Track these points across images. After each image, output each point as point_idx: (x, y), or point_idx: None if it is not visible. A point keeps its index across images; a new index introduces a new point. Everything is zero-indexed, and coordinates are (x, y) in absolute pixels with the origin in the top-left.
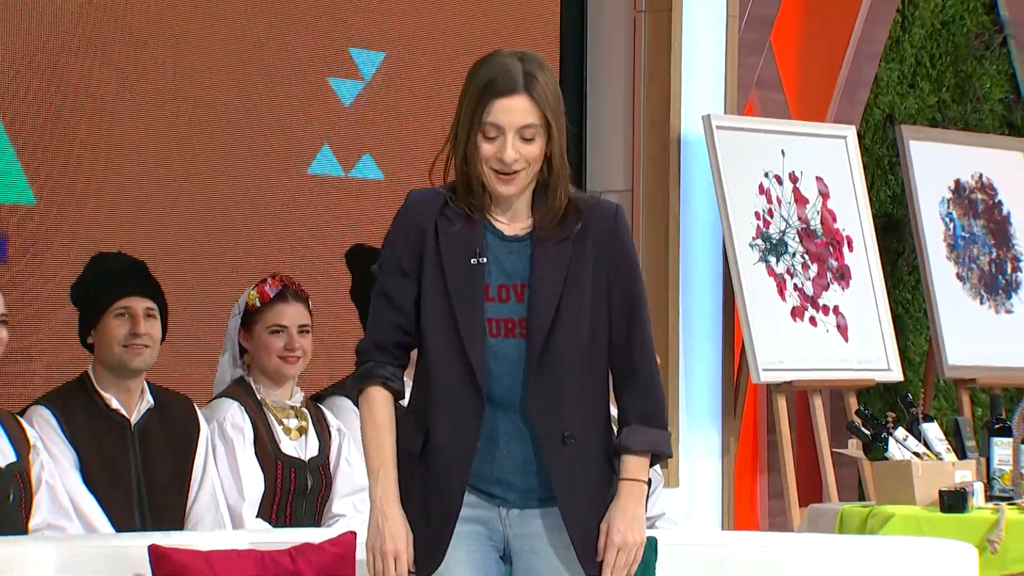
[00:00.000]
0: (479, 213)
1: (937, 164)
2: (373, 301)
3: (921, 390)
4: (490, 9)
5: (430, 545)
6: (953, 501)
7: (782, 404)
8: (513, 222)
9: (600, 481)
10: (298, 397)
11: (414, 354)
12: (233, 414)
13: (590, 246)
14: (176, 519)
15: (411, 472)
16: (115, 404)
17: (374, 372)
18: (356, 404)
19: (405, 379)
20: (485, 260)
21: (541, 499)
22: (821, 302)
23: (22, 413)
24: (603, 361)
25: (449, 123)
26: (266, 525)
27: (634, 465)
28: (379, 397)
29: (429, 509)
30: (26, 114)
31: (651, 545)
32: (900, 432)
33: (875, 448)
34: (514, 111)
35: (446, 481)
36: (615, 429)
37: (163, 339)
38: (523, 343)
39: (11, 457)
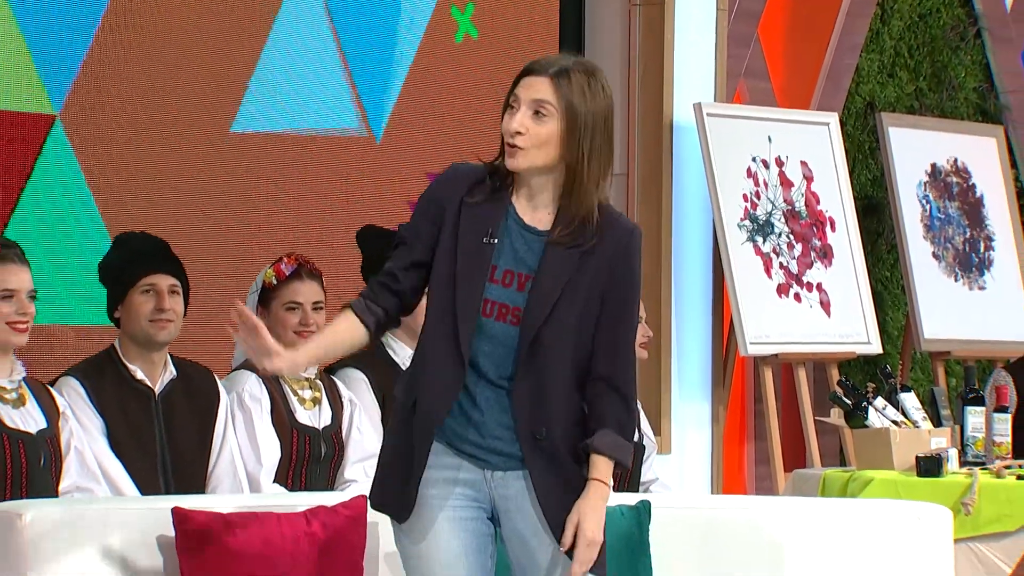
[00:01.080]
0: (504, 195)
1: (915, 149)
2: (391, 249)
3: (899, 362)
4: (492, 1)
5: (399, 489)
6: (929, 466)
7: (768, 376)
8: (534, 212)
9: (571, 467)
10: (312, 369)
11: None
12: (251, 385)
13: (598, 261)
14: (197, 483)
15: (401, 426)
16: (140, 375)
17: (356, 301)
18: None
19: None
20: (496, 241)
21: (522, 460)
22: (805, 279)
23: (53, 383)
24: (585, 366)
25: (441, 97)
26: (282, 489)
27: (604, 467)
28: (344, 314)
29: (407, 462)
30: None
31: (644, 508)
32: (879, 402)
33: (856, 417)
34: (533, 87)
35: (418, 439)
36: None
37: (184, 314)
38: (512, 331)
39: (42, 424)
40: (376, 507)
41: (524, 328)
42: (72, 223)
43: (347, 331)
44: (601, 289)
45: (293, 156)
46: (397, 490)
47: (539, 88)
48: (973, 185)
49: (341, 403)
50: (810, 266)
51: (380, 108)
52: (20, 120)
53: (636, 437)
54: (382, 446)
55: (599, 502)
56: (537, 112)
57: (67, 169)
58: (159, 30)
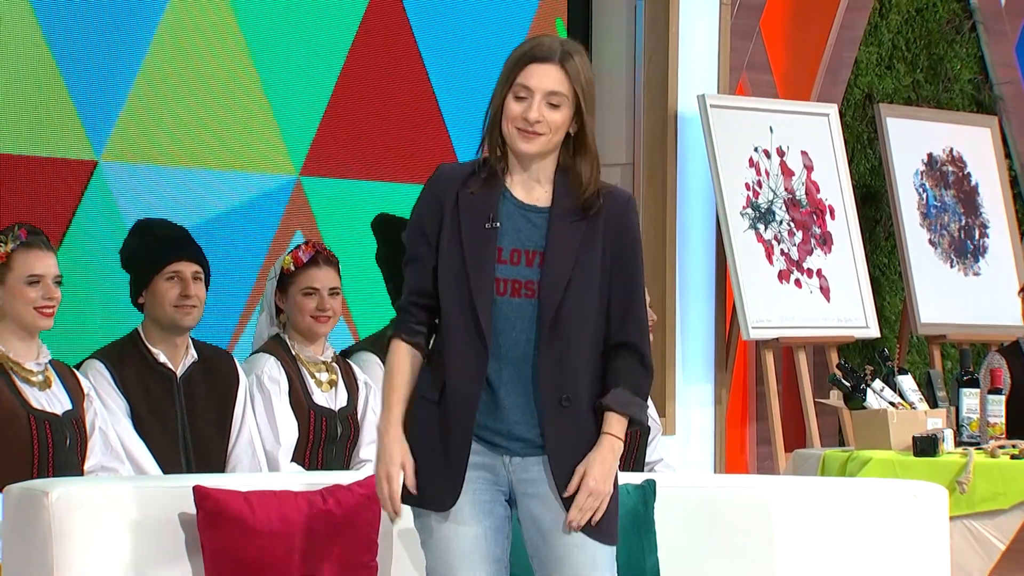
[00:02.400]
0: (499, 181)
1: (912, 139)
2: (404, 267)
3: (896, 345)
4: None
5: (445, 484)
6: (925, 446)
7: (769, 359)
8: (530, 192)
9: (587, 443)
10: (329, 353)
11: None
12: (270, 368)
13: (601, 229)
14: (217, 462)
15: (430, 418)
16: (162, 358)
17: (397, 327)
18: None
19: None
20: (499, 225)
21: (541, 447)
22: (805, 266)
23: (78, 366)
24: (602, 332)
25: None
26: (300, 468)
27: (616, 423)
28: (395, 347)
29: (445, 452)
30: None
31: (650, 487)
32: (877, 384)
33: (854, 398)
34: (545, 76)
35: (456, 425)
36: None
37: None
38: (530, 304)
39: (67, 405)
40: (415, 505)
41: (543, 301)
42: (114, 268)
43: (410, 366)
44: (610, 257)
45: (360, 204)
46: (438, 483)
47: (552, 78)
48: (968, 174)
49: (357, 385)
50: (810, 253)
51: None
52: (63, 166)
53: None
54: (410, 449)
55: (607, 455)
56: (551, 102)
57: (108, 214)
58: (198, 75)
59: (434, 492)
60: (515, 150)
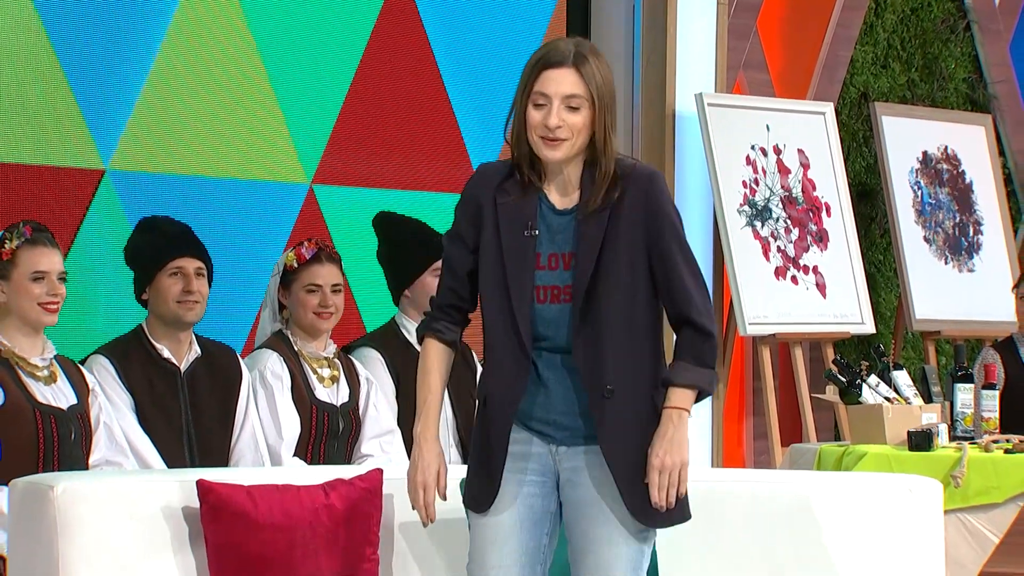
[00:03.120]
0: (535, 187)
1: (907, 137)
2: (442, 264)
3: (891, 341)
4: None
5: (482, 488)
6: (920, 441)
7: (766, 354)
8: (564, 196)
9: (642, 429)
10: (331, 349)
11: None
12: (273, 363)
13: (626, 212)
14: (221, 456)
15: (478, 420)
16: (166, 354)
17: (430, 325)
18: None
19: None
20: (537, 232)
21: (585, 437)
22: (802, 262)
23: (83, 362)
24: (646, 317)
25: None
26: (302, 463)
27: (676, 395)
28: (429, 346)
29: (486, 457)
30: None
31: None
32: (872, 379)
33: (850, 393)
34: (561, 81)
35: (495, 434)
36: None
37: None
38: (566, 308)
39: (72, 400)
40: (465, 505)
41: (576, 297)
42: (121, 275)
43: (444, 364)
44: (644, 240)
45: (365, 211)
46: (482, 485)
47: (568, 82)
48: (963, 172)
49: (358, 381)
50: (806, 250)
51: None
52: (70, 175)
53: None
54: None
55: (668, 427)
56: (569, 106)
57: (116, 222)
58: (208, 82)
59: (474, 493)
60: (542, 158)
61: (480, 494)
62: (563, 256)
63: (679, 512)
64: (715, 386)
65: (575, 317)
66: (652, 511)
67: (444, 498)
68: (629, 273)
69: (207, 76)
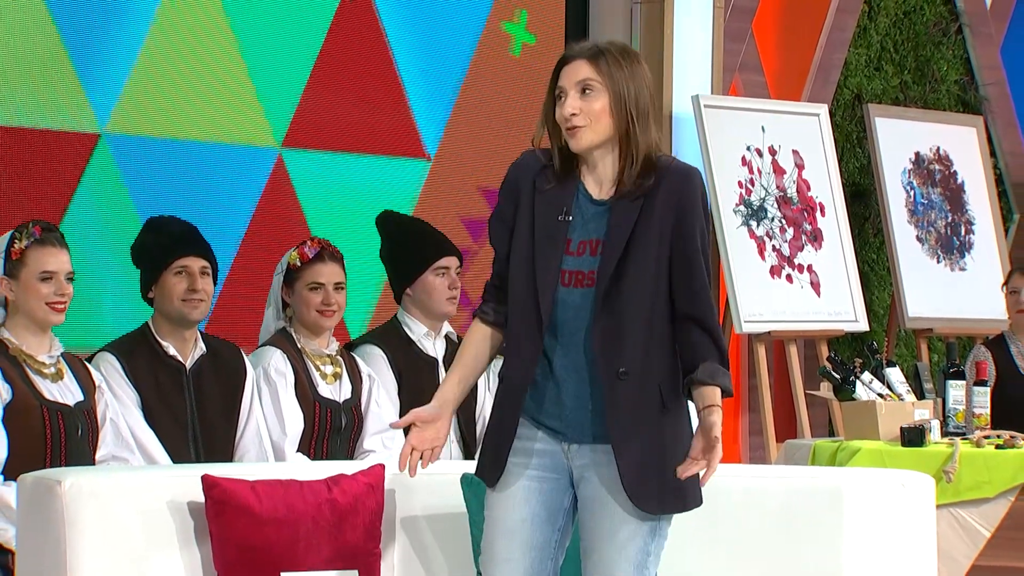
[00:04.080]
0: (573, 177)
1: (900, 138)
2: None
3: (885, 339)
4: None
5: (492, 460)
6: (913, 437)
7: (761, 352)
8: (600, 187)
9: (653, 418)
10: (334, 346)
11: None
12: (276, 360)
13: (659, 205)
14: (225, 452)
15: (498, 398)
16: (172, 351)
17: (479, 307)
18: None
19: None
20: (571, 218)
21: (595, 436)
22: (796, 261)
23: (90, 359)
24: (666, 308)
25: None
26: (305, 458)
27: (709, 393)
28: (472, 326)
29: (498, 431)
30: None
31: None
32: (866, 376)
33: (844, 390)
34: (573, 72)
35: (508, 409)
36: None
37: (213, 293)
38: (590, 291)
39: (79, 396)
40: (476, 474)
41: (600, 281)
42: (117, 238)
43: (480, 343)
44: (670, 234)
45: (341, 175)
46: (491, 458)
47: (580, 70)
48: (955, 172)
49: (360, 378)
50: (801, 249)
51: (434, 126)
52: (66, 139)
53: None
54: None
55: (715, 431)
56: (584, 91)
57: (111, 185)
58: (202, 47)
59: (485, 464)
60: (572, 150)
61: (487, 470)
62: (591, 243)
63: (681, 501)
64: (731, 385)
65: (597, 301)
66: (656, 499)
67: (425, 466)
68: (655, 263)
69: (186, 48)
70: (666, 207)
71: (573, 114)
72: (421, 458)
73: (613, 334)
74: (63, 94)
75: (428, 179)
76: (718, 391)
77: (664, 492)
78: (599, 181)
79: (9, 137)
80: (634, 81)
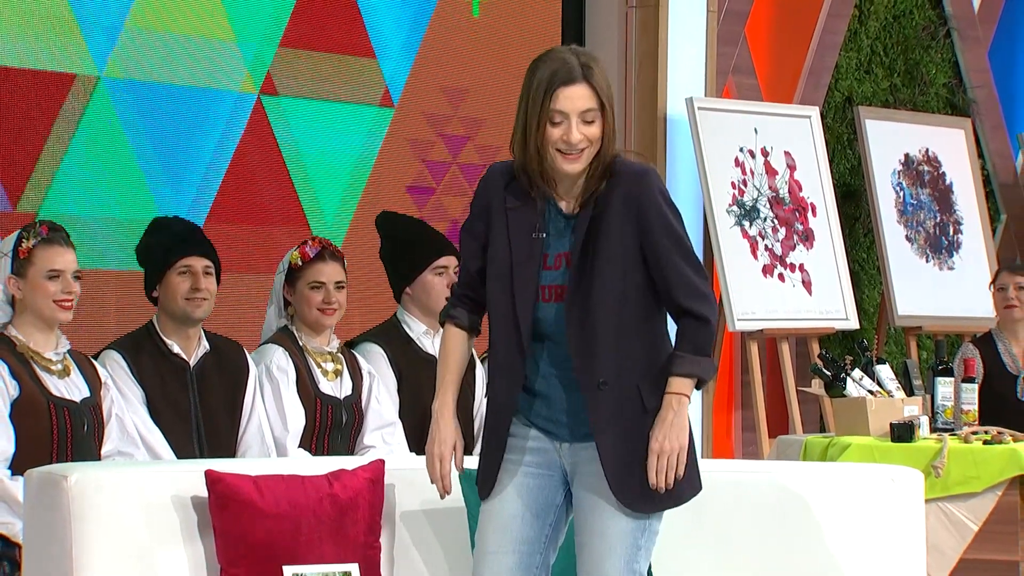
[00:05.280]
0: (542, 194)
1: (889, 140)
2: (461, 255)
3: (875, 337)
4: (497, 3)
5: (485, 475)
6: (902, 432)
7: (754, 349)
8: (571, 200)
9: (635, 420)
10: (334, 344)
11: None
12: (278, 358)
13: (617, 210)
14: (228, 448)
15: (488, 413)
16: (176, 349)
17: (448, 312)
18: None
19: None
20: (545, 235)
21: (585, 435)
22: (788, 261)
23: (96, 356)
24: (638, 313)
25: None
26: (307, 454)
27: (675, 382)
28: (447, 331)
29: (489, 447)
30: None
31: None
32: (856, 373)
33: (835, 387)
34: (576, 98)
35: (496, 426)
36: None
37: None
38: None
39: (85, 393)
40: (477, 486)
41: (568, 294)
42: (115, 179)
43: (462, 347)
44: (635, 236)
45: (320, 124)
46: (483, 474)
47: (583, 98)
48: (943, 173)
49: (361, 375)
50: (793, 248)
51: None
52: (66, 80)
53: None
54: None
55: (667, 413)
56: (585, 119)
57: (111, 129)
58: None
59: (481, 480)
60: (559, 171)
61: (481, 482)
62: (565, 256)
63: (674, 496)
64: (712, 373)
65: (568, 312)
66: (644, 498)
67: (461, 470)
68: (620, 269)
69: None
70: (624, 212)
71: (580, 141)
72: (454, 464)
73: (588, 346)
74: (61, 37)
75: (391, 124)
76: (686, 381)
77: (653, 491)
78: (572, 195)
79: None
80: (610, 93)
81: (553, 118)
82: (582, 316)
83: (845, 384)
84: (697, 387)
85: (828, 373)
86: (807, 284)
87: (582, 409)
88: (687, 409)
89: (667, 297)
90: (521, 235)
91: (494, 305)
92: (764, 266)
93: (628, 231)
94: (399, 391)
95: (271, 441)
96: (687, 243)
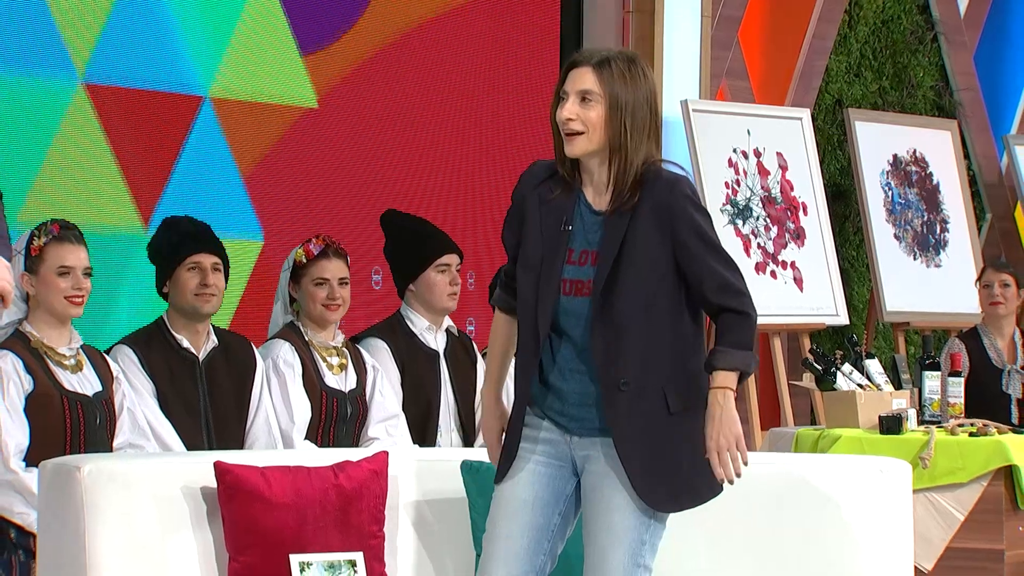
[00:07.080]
0: (575, 186)
1: (878, 141)
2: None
3: (864, 332)
4: (497, 8)
5: (502, 461)
6: (890, 425)
7: None
8: (599, 196)
9: (659, 423)
10: (339, 338)
11: None
12: (285, 352)
13: (648, 215)
14: (236, 440)
15: (513, 403)
16: (186, 344)
17: (496, 296)
18: None
19: None
20: (571, 228)
21: (599, 429)
22: (780, 258)
23: (108, 351)
24: (665, 317)
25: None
26: (312, 446)
27: (718, 377)
28: (495, 316)
29: (507, 429)
30: None
31: None
32: (846, 367)
33: (825, 381)
34: (578, 79)
35: (514, 408)
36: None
37: (225, 288)
38: (587, 300)
39: (97, 387)
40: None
41: (595, 293)
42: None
43: (507, 331)
44: (665, 243)
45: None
46: (502, 460)
47: (584, 78)
48: (930, 174)
49: (365, 369)
50: (785, 246)
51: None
52: (172, 100)
53: None
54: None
55: (715, 410)
56: (584, 99)
57: (217, 145)
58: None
59: (499, 464)
60: (567, 154)
61: (500, 466)
62: (591, 254)
63: (695, 495)
64: (754, 366)
65: (594, 311)
66: (669, 498)
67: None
68: (649, 273)
69: None
70: (655, 220)
71: (569, 119)
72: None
73: (612, 344)
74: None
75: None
76: (729, 374)
77: (678, 491)
78: (597, 191)
79: None
80: (634, 94)
81: (561, 98)
82: (608, 317)
83: (835, 378)
84: (740, 380)
85: (819, 367)
86: (798, 281)
87: (595, 405)
88: (733, 402)
89: (703, 298)
90: (551, 227)
91: (521, 294)
92: (757, 264)
93: (658, 237)
94: (402, 384)
95: (278, 433)
96: (719, 244)
